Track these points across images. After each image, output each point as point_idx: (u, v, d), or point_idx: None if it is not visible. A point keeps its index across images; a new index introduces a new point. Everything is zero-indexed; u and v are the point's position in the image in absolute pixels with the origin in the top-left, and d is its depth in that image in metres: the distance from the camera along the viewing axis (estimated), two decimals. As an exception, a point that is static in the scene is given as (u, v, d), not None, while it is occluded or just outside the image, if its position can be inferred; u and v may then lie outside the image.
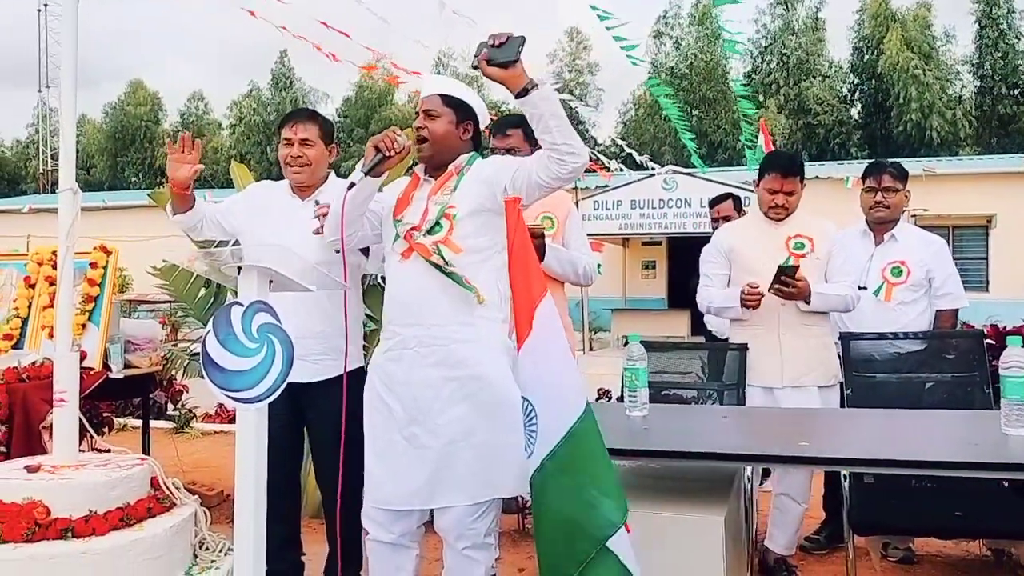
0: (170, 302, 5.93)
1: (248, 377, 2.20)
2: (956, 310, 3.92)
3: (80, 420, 2.90)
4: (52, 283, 3.91)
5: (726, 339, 4.44)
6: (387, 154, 2.54)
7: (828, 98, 33.94)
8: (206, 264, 2.64)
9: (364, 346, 3.61)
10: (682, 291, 5.06)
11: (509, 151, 3.33)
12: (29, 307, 4.09)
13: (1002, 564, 3.61)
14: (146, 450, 4.44)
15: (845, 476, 2.97)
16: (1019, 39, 33.31)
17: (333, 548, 3.28)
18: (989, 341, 3.67)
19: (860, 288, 3.83)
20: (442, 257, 2.56)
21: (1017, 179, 17.92)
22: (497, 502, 2.68)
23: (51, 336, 3.62)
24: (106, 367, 3.91)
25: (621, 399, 3.07)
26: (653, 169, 15.85)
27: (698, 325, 5.91)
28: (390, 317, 2.70)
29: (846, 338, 3.61)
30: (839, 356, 3.59)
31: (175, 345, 4.96)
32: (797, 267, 3.37)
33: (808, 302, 3.42)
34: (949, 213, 16.99)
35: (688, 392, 3.68)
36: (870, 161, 4.43)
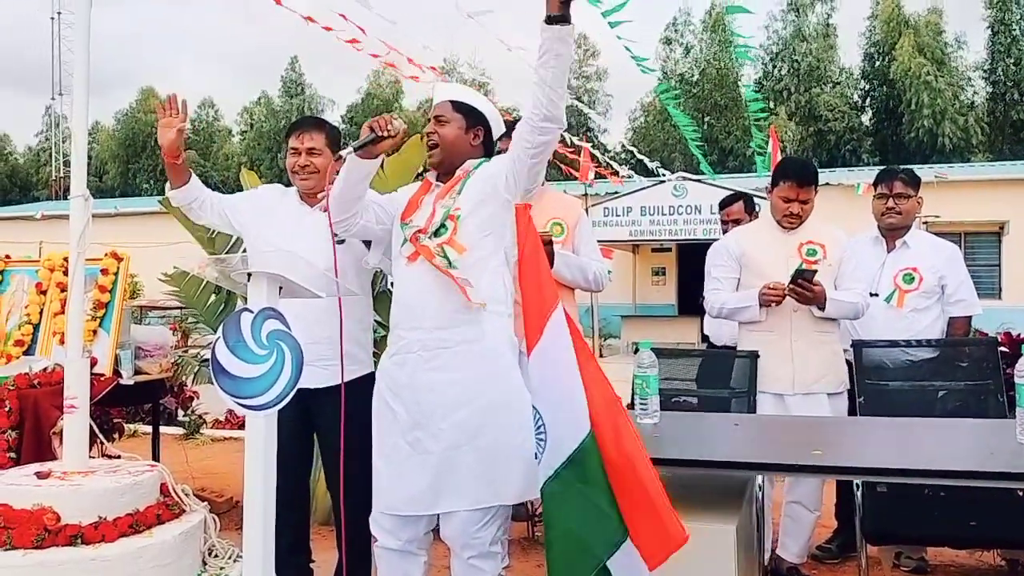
0: (181, 308, 5.93)
1: (258, 384, 2.20)
2: (969, 317, 3.89)
3: (90, 426, 2.91)
4: (63, 289, 3.92)
5: (724, 346, 4.44)
6: (380, 134, 2.50)
7: (839, 104, 33.88)
8: (216, 271, 2.65)
9: (375, 352, 3.61)
10: (692, 298, 5.02)
11: None
12: (41, 313, 4.11)
13: (1017, 574, 3.58)
14: (156, 456, 4.45)
15: (858, 485, 2.94)
16: (1032, 45, 33.20)
17: (342, 554, 3.27)
18: (1003, 349, 3.64)
19: (872, 295, 3.81)
20: (447, 259, 2.56)
21: (1030, 186, 17.84)
22: (505, 510, 2.66)
23: (62, 342, 3.63)
24: (116, 373, 3.92)
25: (631, 406, 3.05)
26: (663, 175, 15.85)
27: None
28: (395, 321, 2.71)
29: (858, 346, 3.59)
30: (849, 363, 3.57)
31: (185, 351, 4.96)
32: (815, 271, 3.36)
33: (823, 308, 3.41)
34: (961, 220, 16.93)
35: (699, 399, 3.66)
36: (881, 168, 4.40)
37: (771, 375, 3.47)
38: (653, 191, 15.72)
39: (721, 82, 34.91)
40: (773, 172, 3.74)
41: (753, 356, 3.49)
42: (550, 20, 2.37)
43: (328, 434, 3.24)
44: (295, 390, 2.23)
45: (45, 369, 3.64)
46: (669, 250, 19.11)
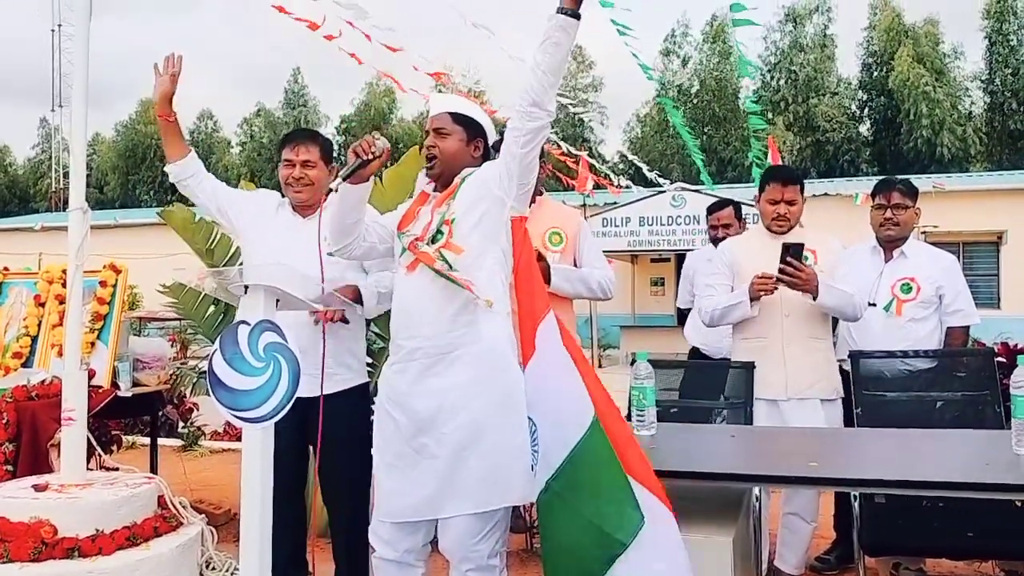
0: (180, 319, 5.94)
1: (254, 396, 2.20)
2: (967, 327, 3.89)
3: (88, 438, 2.91)
4: (62, 301, 3.93)
5: (704, 356, 4.45)
6: (365, 158, 2.53)
7: (836, 115, 33.95)
8: (214, 283, 2.65)
9: (370, 363, 3.61)
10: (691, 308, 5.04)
11: None
12: (39, 326, 4.11)
13: (1015, 585, 3.57)
14: (154, 468, 4.44)
15: (855, 496, 2.94)
16: (1030, 55, 33.29)
17: (339, 566, 3.26)
18: (1000, 359, 3.64)
19: (870, 305, 3.82)
20: (446, 263, 2.57)
21: (1028, 196, 17.86)
22: (504, 522, 2.66)
23: (60, 354, 3.63)
24: (115, 385, 3.92)
25: (629, 417, 3.05)
26: (662, 185, 15.88)
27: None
28: (395, 331, 2.71)
29: (856, 356, 3.59)
30: (845, 373, 3.57)
31: (184, 362, 4.97)
32: (802, 244, 3.35)
33: (816, 297, 3.40)
34: (960, 229, 16.94)
35: (697, 410, 3.65)
36: (880, 178, 4.42)
37: (764, 380, 3.48)
38: (652, 201, 15.74)
39: (720, 93, 34.99)
40: (760, 181, 3.77)
41: (749, 367, 3.49)
42: (560, 11, 2.41)
43: (322, 444, 3.24)
44: (292, 402, 2.23)
45: (43, 381, 3.64)
46: (668, 260, 19.11)
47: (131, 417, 5.86)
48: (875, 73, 34.80)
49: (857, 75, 36.02)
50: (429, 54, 8.24)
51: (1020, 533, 2.96)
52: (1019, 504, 3.02)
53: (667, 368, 3.66)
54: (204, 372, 4.41)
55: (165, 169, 3.31)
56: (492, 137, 2.87)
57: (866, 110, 36.03)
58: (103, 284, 4.01)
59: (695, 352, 4.77)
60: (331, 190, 2.54)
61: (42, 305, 4.14)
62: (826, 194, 18.04)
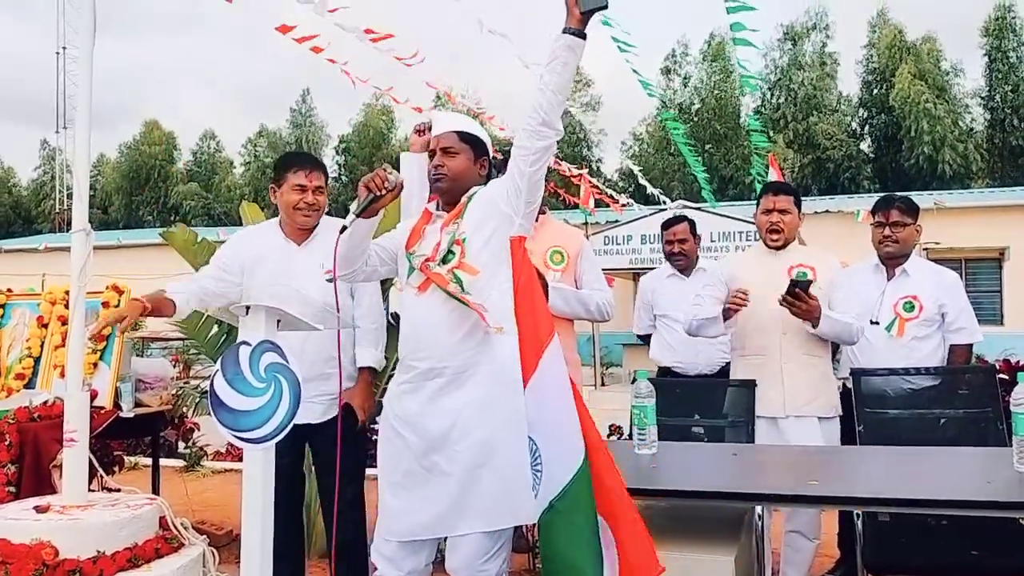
0: (183, 340, 5.94)
1: (255, 417, 2.21)
2: (970, 345, 3.88)
3: (90, 459, 2.91)
4: (65, 323, 3.94)
5: (664, 368, 4.43)
6: (378, 194, 2.53)
7: (837, 132, 34.03)
8: (217, 305, 2.66)
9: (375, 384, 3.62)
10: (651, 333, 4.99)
11: None
12: (42, 347, 4.13)
13: (1020, 604, 3.54)
14: (156, 489, 4.44)
15: (858, 515, 2.93)
16: (1030, 72, 33.39)
17: None
18: (1002, 376, 3.64)
19: (872, 323, 3.82)
20: (460, 284, 2.57)
21: (1029, 212, 17.86)
22: (508, 542, 2.66)
23: (63, 375, 3.64)
24: (117, 406, 3.92)
25: (631, 436, 3.05)
26: (664, 202, 15.90)
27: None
28: (406, 351, 2.70)
29: (858, 374, 3.59)
30: (847, 391, 3.57)
31: (186, 382, 4.97)
32: (811, 282, 3.37)
33: (816, 325, 3.41)
34: (962, 246, 16.93)
35: (698, 428, 3.65)
36: (881, 195, 4.43)
37: (762, 398, 3.49)
38: (654, 219, 15.73)
39: (720, 111, 35.09)
40: (756, 199, 3.80)
41: (750, 385, 3.49)
42: (566, 31, 2.43)
43: (325, 467, 3.25)
44: (292, 423, 2.24)
45: (45, 402, 3.65)
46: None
47: (133, 438, 5.85)
48: (875, 90, 34.90)
49: (857, 93, 36.13)
50: (430, 75, 8.28)
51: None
52: (1022, 522, 3.01)
53: (667, 387, 3.67)
54: (206, 392, 4.42)
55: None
56: (489, 152, 2.90)
57: (867, 127, 36.11)
58: (106, 305, 4.03)
59: (664, 372, 4.73)
60: (344, 227, 2.54)
61: (45, 326, 4.16)
62: (827, 211, 18.05)
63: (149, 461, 4.95)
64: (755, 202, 3.86)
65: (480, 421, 2.57)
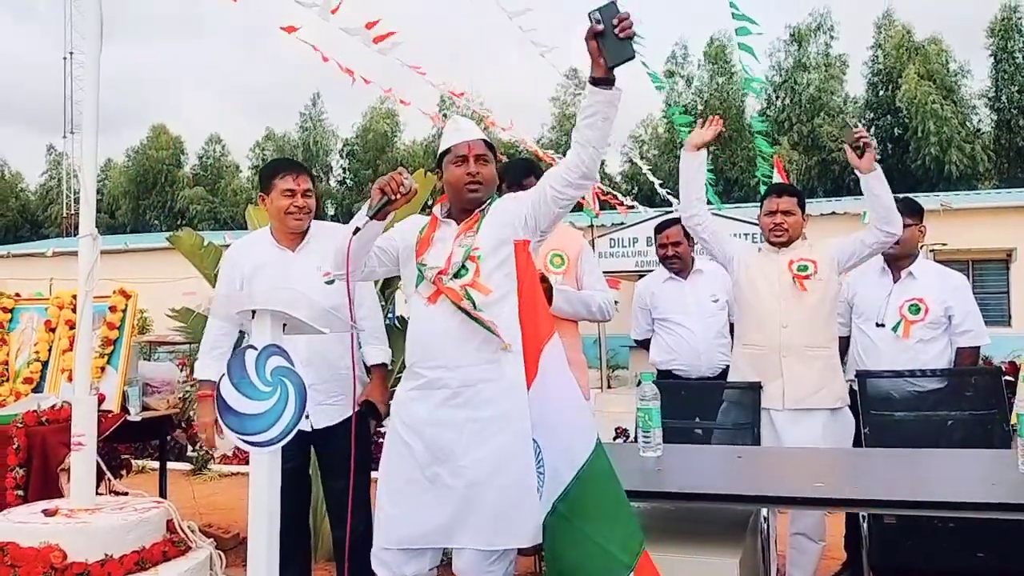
0: (189, 343, 5.97)
1: (262, 420, 2.21)
2: (977, 347, 3.88)
3: (98, 463, 2.93)
4: (72, 327, 3.96)
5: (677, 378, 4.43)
6: (393, 197, 2.53)
7: (842, 134, 33.96)
8: (222, 308, 2.67)
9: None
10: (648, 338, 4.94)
11: None
12: (50, 351, 4.15)
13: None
14: (163, 493, 4.46)
15: (864, 517, 2.93)
16: (1036, 72, 33.28)
17: None
18: (1008, 378, 3.64)
19: (878, 325, 3.82)
20: (472, 302, 2.58)
21: (1037, 212, 17.80)
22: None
23: (71, 379, 3.66)
24: (124, 410, 3.95)
25: (636, 439, 3.05)
26: (672, 203, 15.89)
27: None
28: (415, 359, 2.70)
29: (863, 376, 3.59)
30: (854, 392, 3.57)
31: (193, 385, 4.98)
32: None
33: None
34: (969, 247, 16.88)
35: (704, 431, 3.65)
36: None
37: (763, 392, 3.49)
38: (659, 222, 15.75)
39: (724, 113, 35.06)
40: (760, 200, 3.80)
41: (756, 387, 3.49)
42: (596, 82, 2.38)
43: (333, 470, 3.26)
44: (298, 427, 2.25)
45: (53, 406, 3.67)
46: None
47: (140, 441, 5.88)
48: (881, 92, 34.82)
49: (863, 94, 36.05)
50: (434, 77, 8.28)
51: (1030, 553, 2.95)
52: (1028, 524, 3.00)
53: (673, 390, 3.67)
54: (213, 396, 4.44)
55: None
56: None
57: (873, 128, 36.02)
58: (113, 309, 4.05)
59: (664, 375, 4.71)
60: (357, 228, 2.55)
61: (53, 330, 4.18)
62: (833, 213, 18.02)
63: (156, 465, 4.98)
64: (760, 204, 3.85)
65: (486, 439, 2.57)
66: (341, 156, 40.13)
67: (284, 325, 2.32)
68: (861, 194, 3.59)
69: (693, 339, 4.47)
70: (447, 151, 2.75)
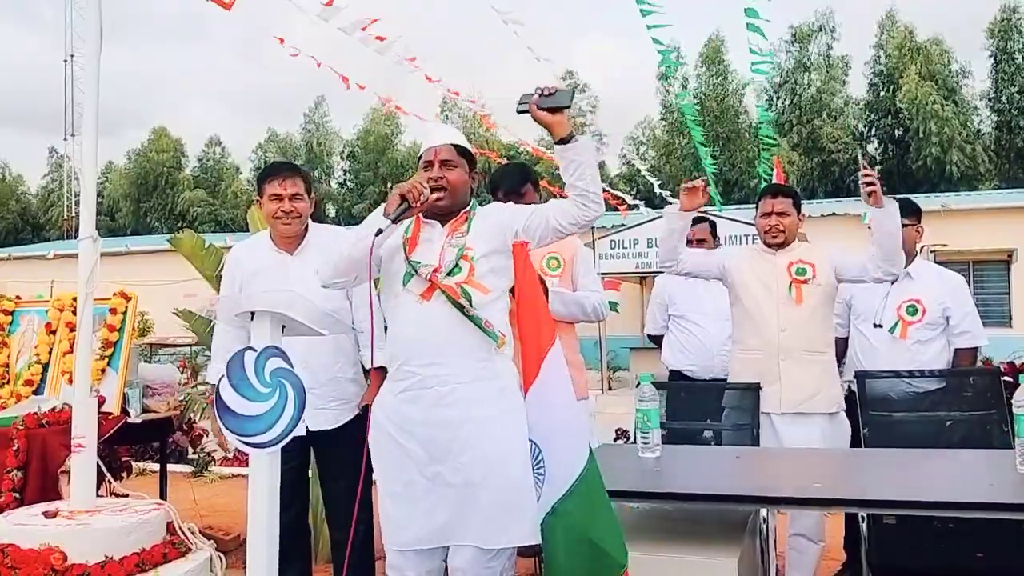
0: (191, 345, 5.98)
1: (261, 422, 2.22)
2: (975, 349, 3.89)
3: (98, 465, 2.94)
4: (73, 329, 3.97)
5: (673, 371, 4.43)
6: (413, 204, 2.56)
7: (842, 136, 33.97)
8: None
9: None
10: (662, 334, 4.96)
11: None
12: (50, 353, 4.16)
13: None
14: (163, 495, 4.46)
15: (863, 517, 2.94)
16: (1036, 73, 33.28)
17: None
18: (1007, 378, 3.64)
19: (876, 326, 3.82)
20: (468, 299, 2.59)
21: (1037, 213, 17.81)
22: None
23: (71, 382, 3.67)
24: (124, 412, 3.95)
25: (635, 440, 3.07)
26: (672, 204, 15.90)
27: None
28: (406, 357, 2.66)
29: (862, 376, 3.59)
30: (853, 393, 3.57)
31: (193, 388, 5.00)
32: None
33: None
34: (969, 248, 16.88)
35: (705, 431, 3.66)
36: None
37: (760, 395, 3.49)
38: (659, 223, 15.73)
39: (722, 115, 35.05)
40: (755, 200, 3.81)
41: (755, 388, 3.49)
42: (561, 142, 2.55)
43: (332, 473, 3.28)
44: (297, 428, 2.25)
45: (54, 408, 3.67)
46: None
47: (141, 443, 5.89)
48: (882, 92, 34.82)
49: (864, 95, 36.04)
50: (432, 75, 8.28)
51: (1029, 553, 2.95)
52: (1027, 524, 3.01)
53: (672, 391, 3.68)
54: (213, 398, 4.45)
55: None
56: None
57: (874, 129, 36.03)
58: (113, 311, 4.06)
59: (676, 375, 4.69)
60: (379, 230, 2.54)
61: (53, 332, 4.19)
62: (834, 214, 18.02)
63: (157, 467, 4.98)
64: (755, 205, 3.86)
65: (484, 437, 2.56)
66: (342, 158, 40.15)
67: (283, 327, 2.33)
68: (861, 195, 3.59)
69: (708, 339, 4.48)
70: (420, 157, 2.81)
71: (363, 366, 3.39)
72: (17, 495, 3.33)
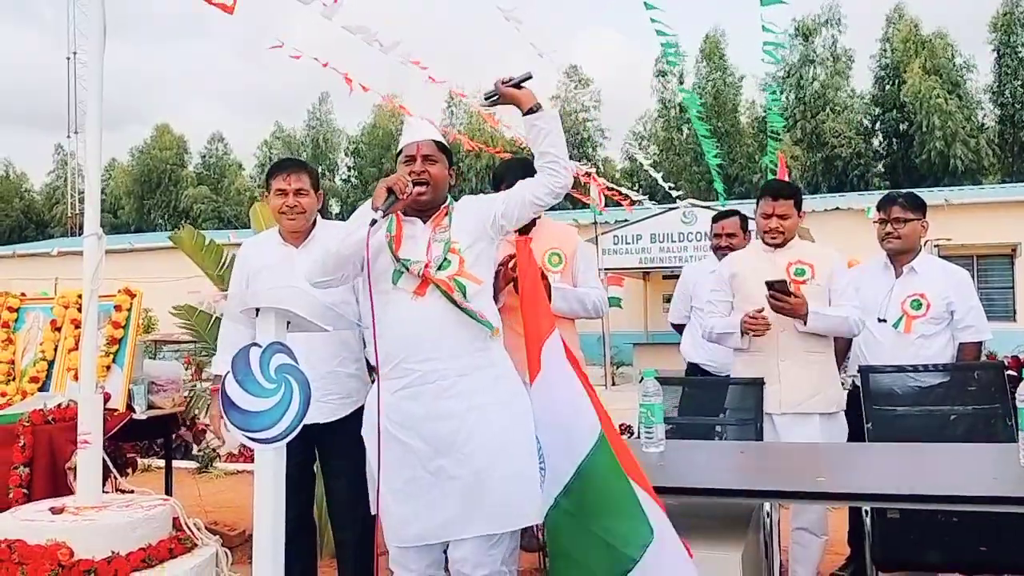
0: (195, 342, 6.00)
1: (266, 417, 2.23)
2: (979, 343, 3.88)
3: (104, 461, 2.94)
4: (78, 326, 3.98)
5: (706, 373, 4.43)
6: (400, 196, 2.60)
7: (845, 130, 33.91)
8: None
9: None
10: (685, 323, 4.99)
11: None
12: (55, 350, 4.17)
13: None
14: (169, 490, 4.48)
15: (866, 511, 2.94)
16: (1039, 67, 33.19)
17: None
18: (1011, 373, 3.63)
19: (880, 320, 3.82)
20: (463, 291, 2.61)
21: (1042, 207, 17.76)
22: (514, 532, 2.69)
23: (76, 378, 3.68)
24: (130, 408, 3.96)
25: (639, 435, 3.07)
26: (676, 199, 15.90)
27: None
28: (404, 355, 2.66)
29: (866, 371, 3.59)
30: (856, 388, 3.57)
31: (196, 385, 5.01)
32: (784, 281, 3.43)
33: (805, 322, 3.43)
34: (973, 242, 16.85)
35: (699, 427, 3.66)
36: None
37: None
38: (662, 218, 15.74)
39: (719, 109, 34.99)
40: (757, 196, 3.80)
41: (758, 383, 3.49)
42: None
43: (335, 464, 3.28)
44: (302, 423, 2.26)
45: (60, 405, 3.69)
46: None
47: (146, 440, 5.89)
48: (888, 86, 34.74)
49: (870, 89, 35.97)
50: (436, 74, 8.30)
51: (1033, 547, 2.95)
52: (1032, 517, 3.00)
53: (675, 385, 3.68)
54: (217, 394, 4.45)
55: None
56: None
57: (878, 123, 35.97)
58: (118, 308, 4.07)
59: (694, 369, 4.70)
60: (374, 221, 2.57)
61: (58, 330, 4.20)
62: (837, 208, 18.01)
63: (162, 463, 4.99)
64: (756, 202, 3.86)
65: (487, 425, 2.59)
66: (347, 154, 40.16)
67: (288, 323, 2.34)
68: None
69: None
70: (400, 152, 2.85)
71: (368, 362, 3.39)
72: (26, 491, 3.34)
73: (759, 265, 3.63)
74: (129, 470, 4.35)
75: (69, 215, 36.17)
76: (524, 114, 2.72)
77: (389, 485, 2.67)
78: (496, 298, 2.85)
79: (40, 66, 64.01)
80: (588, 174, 14.09)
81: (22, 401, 3.99)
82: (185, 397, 4.57)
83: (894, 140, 34.85)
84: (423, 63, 7.27)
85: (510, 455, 2.57)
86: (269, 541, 2.26)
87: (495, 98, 2.79)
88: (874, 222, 3.99)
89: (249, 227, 4.88)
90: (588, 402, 2.28)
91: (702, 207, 15.96)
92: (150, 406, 4.24)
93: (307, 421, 3.07)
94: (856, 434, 3.56)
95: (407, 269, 2.65)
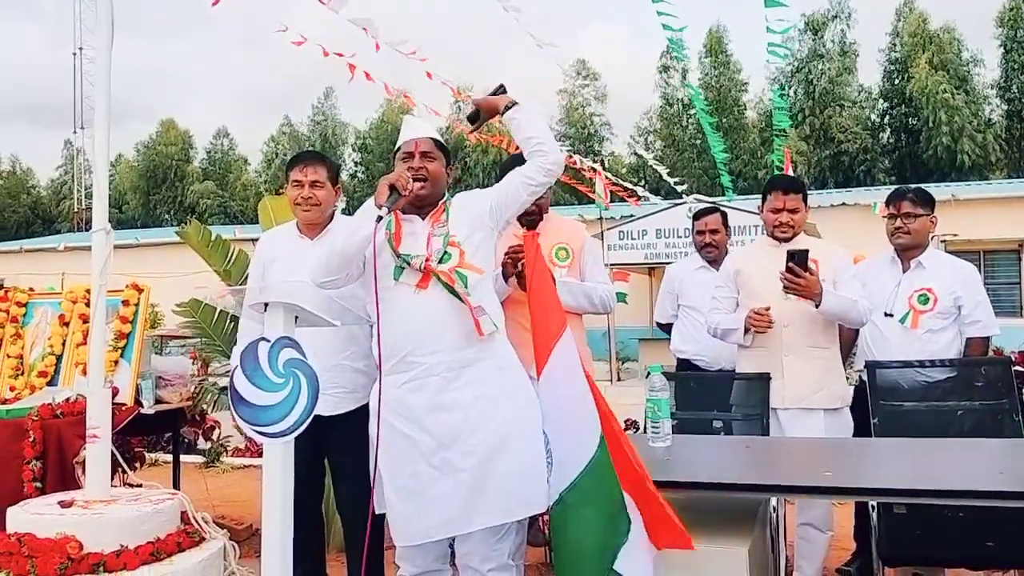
0: (201, 338, 6.03)
1: (275, 412, 2.24)
2: (987, 338, 3.87)
3: (113, 455, 2.96)
4: (86, 321, 4.00)
5: (696, 368, 4.42)
6: (403, 193, 2.62)
7: (852, 126, 33.81)
8: (234, 300, 2.70)
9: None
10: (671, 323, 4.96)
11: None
12: (64, 345, 4.19)
13: (1036, 595, 3.54)
14: (176, 485, 4.49)
15: (873, 506, 2.94)
16: (1046, 62, 33.04)
17: None
18: (1018, 368, 3.63)
19: (887, 315, 3.82)
20: (464, 281, 2.63)
21: (1048, 202, 17.71)
22: (521, 525, 2.69)
23: (85, 373, 3.69)
24: (137, 403, 3.98)
25: (645, 430, 3.07)
26: (681, 195, 15.88)
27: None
28: (409, 348, 2.66)
29: (872, 366, 3.59)
30: (863, 383, 3.57)
31: (203, 380, 5.01)
32: (807, 251, 3.40)
33: (819, 304, 3.41)
34: (980, 238, 16.82)
35: (715, 422, 3.66)
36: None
37: None
38: (668, 214, 15.72)
39: (721, 104, 34.89)
40: (763, 191, 3.79)
41: (765, 378, 3.49)
42: (505, 111, 2.80)
43: (341, 461, 3.29)
44: (311, 417, 2.27)
45: (68, 399, 3.70)
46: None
47: (154, 434, 5.92)
48: (895, 81, 34.62)
49: (878, 83, 35.85)
50: (441, 72, 8.29)
51: (1039, 542, 2.95)
52: (1038, 513, 3.00)
53: (682, 381, 3.69)
54: (225, 388, 4.46)
55: None
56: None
57: (886, 119, 35.85)
58: (126, 303, 4.08)
59: (684, 365, 4.68)
60: (379, 217, 2.58)
61: (66, 324, 4.22)
62: (844, 204, 17.99)
63: (169, 457, 5.02)
64: (762, 196, 3.84)
65: (491, 415, 2.60)
66: (354, 149, 40.16)
67: (296, 318, 2.35)
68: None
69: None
70: (398, 149, 2.88)
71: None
72: (39, 485, 3.36)
73: (764, 261, 3.62)
74: (137, 464, 4.38)
75: (75, 210, 36.28)
76: (501, 114, 2.80)
77: (393, 482, 2.68)
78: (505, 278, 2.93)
79: (44, 62, 64.20)
80: (594, 169, 14.07)
81: (31, 395, 4.01)
82: (192, 392, 4.59)
83: (901, 135, 34.74)
84: (430, 64, 7.27)
85: (516, 446, 2.58)
86: (278, 535, 2.27)
87: (476, 114, 2.91)
88: (883, 217, 3.98)
89: (256, 222, 4.87)
90: (593, 404, 2.30)
91: (708, 202, 15.94)
92: (158, 401, 4.26)
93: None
94: (862, 429, 3.55)
95: (408, 264, 2.66)
